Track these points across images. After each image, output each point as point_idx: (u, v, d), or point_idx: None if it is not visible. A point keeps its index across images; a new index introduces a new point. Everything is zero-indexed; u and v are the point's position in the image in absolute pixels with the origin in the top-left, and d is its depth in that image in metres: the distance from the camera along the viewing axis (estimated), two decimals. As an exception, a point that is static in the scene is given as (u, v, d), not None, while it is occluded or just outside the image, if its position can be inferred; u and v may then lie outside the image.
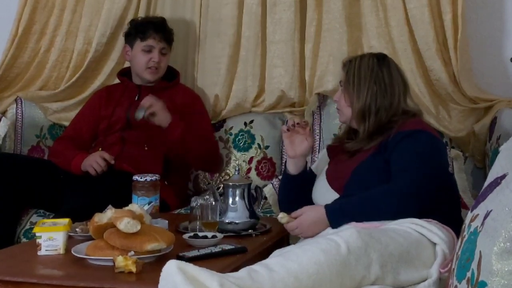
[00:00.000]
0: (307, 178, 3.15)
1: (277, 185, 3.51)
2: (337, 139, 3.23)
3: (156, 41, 4.00)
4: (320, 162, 3.24)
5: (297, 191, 3.13)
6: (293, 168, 3.14)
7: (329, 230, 2.71)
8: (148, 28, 4.00)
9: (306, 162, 3.20)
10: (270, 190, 3.55)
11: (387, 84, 2.97)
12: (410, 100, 3.10)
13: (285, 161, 3.37)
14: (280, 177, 3.45)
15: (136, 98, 4.02)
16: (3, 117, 4.18)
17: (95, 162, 3.72)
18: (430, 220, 2.62)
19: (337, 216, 2.73)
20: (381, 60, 3.03)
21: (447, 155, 3.02)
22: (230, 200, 3.05)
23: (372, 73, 2.97)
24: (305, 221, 2.77)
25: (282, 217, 2.81)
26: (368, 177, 2.84)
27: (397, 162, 2.79)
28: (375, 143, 2.91)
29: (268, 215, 3.51)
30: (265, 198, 3.56)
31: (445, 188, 2.82)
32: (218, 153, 4.12)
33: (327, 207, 2.76)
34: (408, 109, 3.01)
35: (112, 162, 3.74)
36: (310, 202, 3.04)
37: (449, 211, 2.76)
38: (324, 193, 2.97)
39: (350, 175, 2.89)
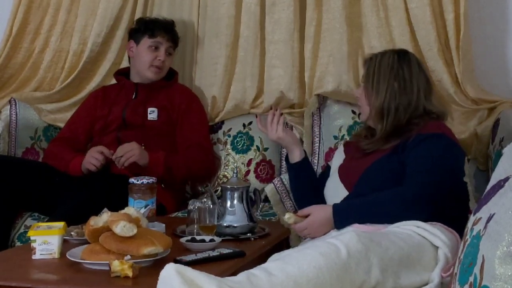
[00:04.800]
0: (305, 167, 3.21)
1: (278, 185, 3.48)
2: (355, 135, 3.25)
3: (165, 40, 4.01)
4: (336, 158, 3.24)
5: (303, 180, 3.20)
6: (290, 156, 3.24)
7: (333, 232, 2.71)
8: (157, 27, 4.01)
9: (305, 152, 3.27)
10: (271, 189, 3.51)
11: (407, 81, 2.93)
12: (435, 100, 3.06)
13: (285, 164, 3.38)
14: (280, 176, 3.45)
15: (133, 97, 4.01)
16: (-3, 119, 4.16)
17: (92, 157, 3.70)
18: (434, 222, 2.60)
19: (343, 217, 2.72)
20: (402, 56, 3.01)
21: (464, 163, 2.99)
22: (228, 203, 3.04)
23: (392, 70, 2.96)
24: (314, 222, 2.76)
25: (289, 217, 2.80)
26: (379, 177, 2.84)
27: (411, 165, 2.78)
28: (392, 144, 2.89)
29: (267, 218, 3.51)
30: (264, 201, 3.54)
31: (456, 196, 2.81)
32: (212, 164, 4.08)
33: (334, 207, 2.75)
34: (431, 109, 2.98)
35: (110, 156, 3.70)
36: (320, 192, 3.09)
37: (456, 219, 2.71)
38: (334, 189, 2.99)
39: (362, 173, 2.88)
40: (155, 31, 3.98)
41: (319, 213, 2.77)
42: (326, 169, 3.31)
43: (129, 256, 2.36)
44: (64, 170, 3.79)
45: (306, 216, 2.79)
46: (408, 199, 2.66)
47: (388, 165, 2.84)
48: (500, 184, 1.72)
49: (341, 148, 3.26)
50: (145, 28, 4.02)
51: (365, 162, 2.91)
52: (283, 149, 3.97)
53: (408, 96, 2.93)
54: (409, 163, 2.78)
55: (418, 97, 2.94)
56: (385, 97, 2.92)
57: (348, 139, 3.73)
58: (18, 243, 3.63)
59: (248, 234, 2.98)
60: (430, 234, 2.51)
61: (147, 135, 3.83)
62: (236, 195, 3.04)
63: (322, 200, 3.05)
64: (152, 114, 3.92)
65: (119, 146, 3.81)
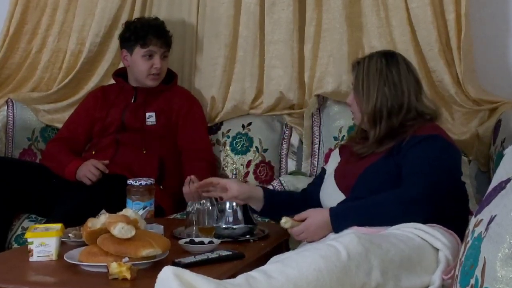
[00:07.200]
0: (274, 205, 3.12)
1: (277, 187, 3.47)
2: (350, 139, 3.22)
3: (158, 47, 3.93)
4: (332, 162, 3.21)
5: (283, 211, 3.00)
6: (254, 206, 3.10)
7: (331, 235, 2.67)
8: (148, 33, 3.92)
9: (263, 188, 3.18)
10: (270, 192, 3.50)
11: (397, 84, 2.90)
12: (427, 99, 3.04)
13: (285, 165, 3.35)
14: (280, 178, 3.42)
15: (132, 101, 3.98)
16: (-6, 119, 4.16)
17: (89, 172, 3.68)
18: (433, 224, 2.58)
19: (341, 219, 2.68)
20: (390, 59, 2.97)
21: (461, 163, 2.97)
22: (227, 205, 3.01)
23: (380, 75, 2.92)
24: (311, 225, 2.73)
25: (285, 221, 2.76)
26: (376, 180, 2.81)
27: (408, 167, 2.75)
28: (386, 147, 2.87)
29: (266, 220, 3.48)
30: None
31: (455, 196, 2.79)
32: (215, 167, 4.06)
33: (332, 210, 2.72)
34: (424, 110, 2.95)
35: (106, 171, 3.70)
36: (308, 202, 3.03)
37: (456, 220, 2.69)
38: (331, 193, 2.96)
39: (358, 176, 2.85)
40: (147, 39, 3.90)
41: (316, 216, 2.74)
42: (322, 173, 3.27)
43: (127, 258, 2.34)
44: (59, 173, 3.78)
45: (303, 220, 2.76)
46: (406, 200, 2.63)
47: (384, 167, 2.82)
48: (501, 186, 1.72)
49: (336, 152, 3.24)
50: (135, 36, 3.93)
51: (361, 166, 2.88)
52: (283, 150, 3.98)
53: (399, 99, 2.90)
54: (406, 164, 2.76)
55: (409, 99, 2.91)
56: (376, 102, 2.89)
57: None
58: (15, 245, 3.62)
59: (247, 236, 2.96)
60: (431, 236, 2.49)
61: (146, 138, 3.83)
62: (235, 196, 3.02)
63: (314, 207, 3.01)
64: (150, 118, 3.91)
65: (117, 148, 3.83)
